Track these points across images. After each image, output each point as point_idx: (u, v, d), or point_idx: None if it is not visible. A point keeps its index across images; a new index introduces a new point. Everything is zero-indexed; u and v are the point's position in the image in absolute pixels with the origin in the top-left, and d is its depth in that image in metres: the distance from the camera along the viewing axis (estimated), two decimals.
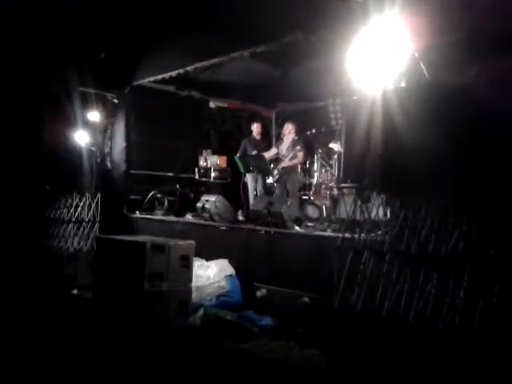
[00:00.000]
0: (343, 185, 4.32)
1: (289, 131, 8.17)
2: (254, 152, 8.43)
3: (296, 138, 8.01)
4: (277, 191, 8.21)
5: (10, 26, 7.04)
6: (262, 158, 7.55)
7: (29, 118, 7.85)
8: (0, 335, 4.68)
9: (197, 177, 9.28)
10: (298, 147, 7.89)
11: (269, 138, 10.01)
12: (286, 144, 8.11)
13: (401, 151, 3.92)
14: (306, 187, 8.46)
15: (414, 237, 3.72)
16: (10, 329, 4.87)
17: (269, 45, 5.89)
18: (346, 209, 4.30)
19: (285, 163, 7.93)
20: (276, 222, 6.02)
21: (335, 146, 7.89)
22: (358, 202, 4.09)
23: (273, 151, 8.29)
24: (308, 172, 8.59)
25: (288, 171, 7.94)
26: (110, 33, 7.89)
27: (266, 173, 8.02)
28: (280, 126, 9.81)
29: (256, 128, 8.72)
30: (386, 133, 4.02)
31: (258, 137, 8.76)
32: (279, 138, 8.62)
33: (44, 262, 6.87)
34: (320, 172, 8.28)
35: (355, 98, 4.49)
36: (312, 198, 7.87)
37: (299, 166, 8.39)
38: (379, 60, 4.07)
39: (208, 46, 6.60)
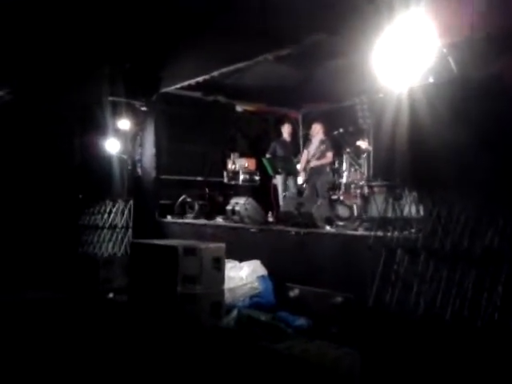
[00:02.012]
0: (373, 183, 4.28)
1: (317, 132, 8.17)
2: (283, 153, 8.44)
3: (324, 138, 7.99)
4: (306, 192, 8.19)
5: (39, 35, 7.21)
6: (290, 159, 7.57)
7: (61, 128, 8.05)
8: (40, 341, 4.79)
9: (225, 180, 9.35)
10: (326, 147, 7.87)
11: (296, 140, 10.01)
12: (315, 144, 8.11)
13: (430, 148, 3.87)
14: (335, 187, 8.42)
15: (447, 234, 3.65)
16: (50, 335, 4.99)
17: (293, 47, 5.90)
18: (377, 207, 4.25)
19: (313, 163, 7.91)
20: (306, 222, 6.01)
21: (363, 145, 7.83)
22: (390, 200, 4.04)
23: (304, 156, 8.28)
24: (337, 172, 8.54)
25: (317, 171, 7.92)
26: (136, 41, 8.03)
27: (293, 174, 8.01)
28: (307, 128, 9.83)
29: (286, 129, 8.75)
30: (414, 130, 3.96)
31: (288, 138, 8.78)
32: (307, 139, 8.60)
33: (80, 268, 7.02)
34: (349, 171, 8.22)
35: (381, 95, 4.46)
36: (342, 197, 7.82)
37: (328, 167, 8.35)
38: (406, 57, 4.03)
39: (232, 51, 6.67)
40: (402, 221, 4.06)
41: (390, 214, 4.17)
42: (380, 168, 4.33)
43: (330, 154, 7.98)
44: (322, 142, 7.92)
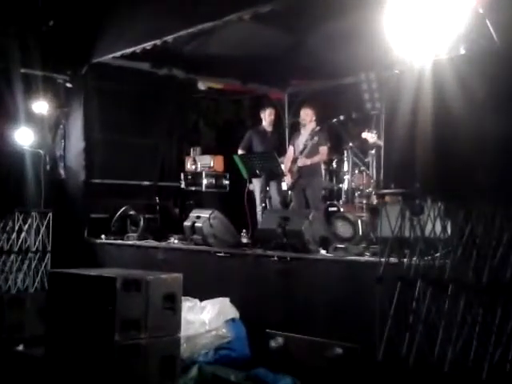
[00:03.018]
0: (385, 190, 4.31)
1: (308, 120, 8.19)
2: (262, 148, 8.45)
3: (317, 128, 8.03)
4: (293, 202, 8.20)
5: None
6: (272, 156, 7.57)
7: None
8: None
9: (183, 185, 9.37)
10: (320, 139, 7.91)
11: (281, 130, 10.06)
12: (305, 136, 8.12)
13: (463, 142, 3.92)
14: (333, 195, 8.46)
15: (485, 261, 3.70)
16: None
17: (276, 2, 5.91)
18: (389, 224, 4.29)
19: (302, 161, 7.91)
20: (294, 244, 6.03)
21: (371, 137, 7.90)
22: (407, 214, 4.07)
23: (290, 151, 8.29)
24: (336, 174, 8.60)
25: (307, 173, 7.93)
26: None
27: (275, 177, 8.05)
28: (295, 113, 9.89)
29: (268, 116, 8.76)
30: (440, 117, 4.03)
31: (268, 128, 8.79)
32: (295, 130, 8.64)
33: None
34: (352, 174, 8.30)
35: (396, 71, 4.52)
36: (342, 209, 7.87)
37: (322, 166, 8.40)
38: (429, 20, 4.08)
39: (194, 8, 6.66)
40: (423, 242, 4.09)
41: (407, 234, 4.21)
42: (393, 169, 4.39)
43: (324, 150, 8.03)
44: (314, 133, 7.94)
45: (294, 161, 8.04)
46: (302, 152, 8.03)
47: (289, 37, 7.97)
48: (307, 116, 8.19)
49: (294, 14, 6.68)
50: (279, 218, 6.28)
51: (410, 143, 4.16)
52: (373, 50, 6.65)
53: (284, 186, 8.48)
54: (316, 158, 8.02)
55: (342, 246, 5.97)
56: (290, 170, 8.02)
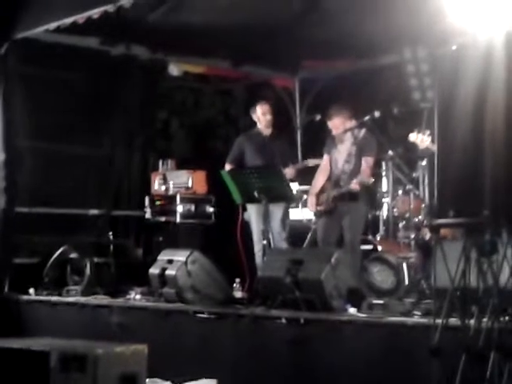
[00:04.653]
0: (440, 221, 4.28)
1: (336, 126, 8.15)
2: (261, 160, 8.48)
3: (362, 132, 7.94)
4: (319, 236, 8.12)
5: None
6: (276, 172, 7.56)
7: None
8: None
9: (148, 215, 9.34)
10: (364, 147, 7.85)
11: (288, 133, 10.06)
12: (346, 147, 8.06)
13: None
14: (367, 227, 8.43)
15: None
16: None
17: None
18: (447, 268, 4.29)
19: (346, 186, 7.83)
20: (310, 299, 6.04)
21: (422, 141, 7.86)
22: (473, 254, 4.06)
23: (325, 163, 8.21)
24: (371, 196, 8.56)
25: (350, 199, 7.84)
26: None
27: (283, 201, 8.04)
28: (311, 109, 9.89)
29: (262, 115, 8.72)
30: None
31: (266, 131, 8.78)
32: (329, 136, 8.52)
33: None
34: (394, 195, 8.28)
35: (454, 47, 4.52)
36: (380, 248, 7.85)
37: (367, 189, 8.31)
38: None
39: None
40: (497, 296, 4.08)
41: (474, 282, 4.20)
42: (452, 189, 4.40)
43: (368, 161, 7.93)
44: (356, 140, 7.92)
45: (337, 184, 7.98)
46: (343, 171, 7.98)
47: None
48: (337, 128, 8.14)
49: None
50: (288, 262, 6.29)
51: (475, 150, 4.17)
52: (419, 17, 6.70)
53: (294, 214, 8.45)
54: (362, 176, 7.92)
55: (381, 301, 5.96)
56: (320, 193, 8.00)
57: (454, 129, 4.33)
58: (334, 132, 8.09)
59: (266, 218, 7.71)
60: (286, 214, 8.44)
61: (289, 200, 8.06)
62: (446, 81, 4.62)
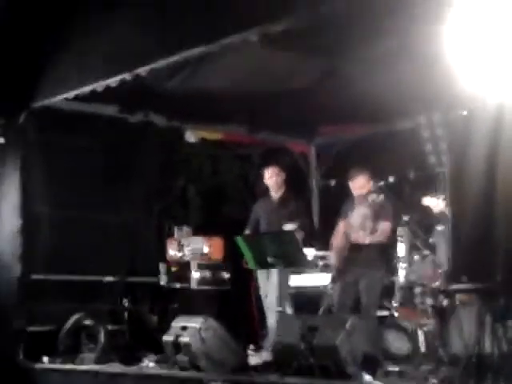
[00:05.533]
0: (454, 286, 4.26)
1: (358, 187, 8.17)
2: (266, 225, 8.50)
3: (380, 197, 7.94)
4: (335, 301, 8.07)
5: None
6: (289, 236, 7.54)
7: None
8: None
9: (164, 282, 9.30)
10: (381, 211, 7.84)
11: (303, 196, 10.05)
12: (362, 209, 8.06)
13: None
14: (383, 293, 8.35)
15: None
16: None
17: (294, 17, 6.01)
18: (461, 334, 4.24)
19: (356, 238, 7.84)
20: (325, 366, 5.96)
21: (437, 205, 7.84)
22: (487, 320, 4.01)
23: (340, 228, 8.20)
24: (387, 262, 8.49)
25: (364, 260, 7.83)
26: None
27: (295, 266, 8.02)
28: (327, 174, 9.89)
29: (269, 178, 8.71)
30: None
31: (275, 194, 8.77)
32: (349, 199, 8.53)
33: None
34: (410, 261, 8.19)
35: (464, 112, 4.55)
36: (397, 314, 7.76)
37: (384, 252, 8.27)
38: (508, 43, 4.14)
39: (176, 26, 6.80)
40: None
41: (490, 349, 4.14)
42: (465, 254, 4.36)
43: (386, 226, 7.94)
44: (373, 203, 7.92)
45: (348, 241, 7.99)
46: (357, 229, 7.99)
47: (314, 65, 8.08)
48: (359, 188, 8.16)
49: (319, 35, 6.76)
50: (303, 328, 6.23)
51: (487, 213, 4.14)
52: (433, 81, 6.72)
53: (310, 280, 8.39)
54: (376, 236, 7.93)
55: (396, 368, 5.89)
56: (339, 253, 7.99)
57: (465, 193, 4.32)
58: (356, 193, 8.10)
59: (280, 282, 7.69)
60: (282, 279, 8.34)
61: (302, 265, 8.00)
62: (458, 145, 4.63)
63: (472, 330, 4.15)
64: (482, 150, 4.26)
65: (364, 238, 7.90)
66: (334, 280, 8.06)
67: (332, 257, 8.10)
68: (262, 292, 8.38)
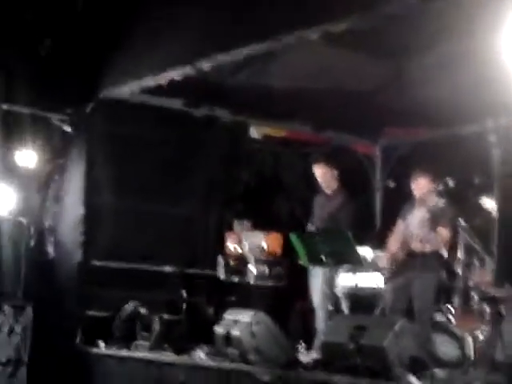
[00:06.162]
0: (496, 293, 4.21)
1: (425, 192, 8.09)
2: (318, 221, 8.47)
3: (441, 201, 7.87)
4: (388, 302, 8.02)
5: None
6: (343, 234, 7.50)
7: None
8: None
9: (222, 275, 9.33)
10: (442, 217, 7.74)
11: (368, 197, 10.11)
12: (422, 212, 7.98)
13: None
14: (440, 296, 8.25)
15: None
16: None
17: (359, 17, 6.00)
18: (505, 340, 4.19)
19: (415, 245, 7.77)
20: (372, 366, 5.93)
21: (494, 207, 7.75)
22: None
23: (399, 228, 8.13)
24: (446, 266, 8.40)
25: (420, 263, 7.74)
26: (64, 5, 8.33)
27: (350, 264, 8.05)
28: (392, 175, 9.80)
29: (319, 176, 8.64)
30: None
31: (328, 191, 8.72)
32: (410, 203, 8.46)
33: None
34: (468, 265, 8.10)
35: None
36: (453, 318, 7.68)
37: (441, 256, 8.18)
38: None
39: (238, 24, 6.85)
40: None
41: None
42: (506, 261, 4.31)
43: (444, 232, 7.84)
44: (435, 210, 7.83)
45: (405, 245, 7.90)
46: (416, 235, 7.90)
47: (379, 67, 8.07)
48: (421, 189, 8.08)
49: (383, 36, 6.74)
50: (352, 328, 6.20)
51: None
52: (500, 85, 6.63)
53: (364, 281, 8.34)
54: (434, 243, 7.84)
55: (443, 373, 5.84)
56: (394, 255, 7.91)
57: None
58: (417, 194, 8.04)
59: (330, 280, 7.68)
60: (330, 277, 8.30)
61: (356, 263, 7.96)
62: (507, 152, 4.57)
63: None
64: None
65: (423, 246, 7.79)
66: (386, 282, 8.01)
67: (386, 258, 8.03)
68: (319, 291, 8.34)
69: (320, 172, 8.59)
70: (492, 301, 6.48)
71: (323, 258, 7.44)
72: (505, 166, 4.56)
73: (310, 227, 8.58)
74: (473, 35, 6.35)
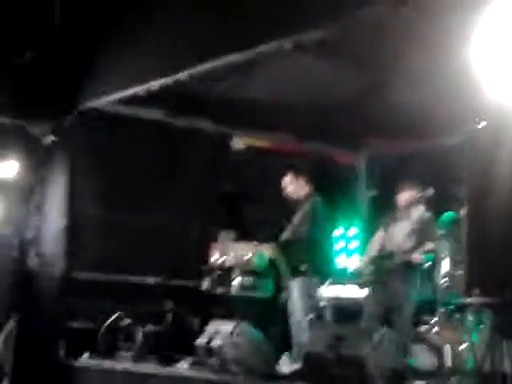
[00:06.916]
0: (466, 300, 4.23)
1: (405, 199, 8.12)
2: (289, 231, 8.50)
3: (426, 214, 7.91)
4: (367, 312, 8.03)
5: None
6: (309, 243, 7.56)
7: None
8: None
9: (205, 286, 9.25)
10: (428, 231, 7.77)
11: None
12: (406, 226, 8.00)
13: None
14: (424, 306, 8.26)
15: None
16: None
17: (329, 27, 5.99)
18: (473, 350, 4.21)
19: (401, 256, 7.79)
20: (350, 377, 5.95)
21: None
22: (495, 337, 3.99)
23: (377, 237, 8.15)
24: (428, 274, 8.41)
25: (400, 272, 7.77)
26: (43, 19, 8.37)
27: (326, 273, 8.05)
28: (375, 185, 9.85)
29: (289, 184, 8.74)
30: None
31: (295, 200, 8.73)
32: (391, 214, 8.48)
33: None
34: (452, 276, 8.11)
35: (483, 123, 4.54)
36: (436, 328, 7.69)
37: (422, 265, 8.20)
38: None
39: (221, 32, 6.83)
40: None
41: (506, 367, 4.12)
42: (479, 268, 4.34)
43: (431, 243, 7.85)
44: (419, 219, 7.87)
45: (391, 257, 7.93)
46: (399, 246, 7.92)
47: (360, 76, 8.10)
48: (406, 201, 8.12)
49: (359, 43, 6.76)
50: (331, 337, 6.23)
51: (504, 229, 4.10)
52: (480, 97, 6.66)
53: (345, 292, 8.34)
54: (418, 255, 7.85)
55: (422, 383, 5.86)
56: (371, 264, 7.95)
57: (483, 209, 4.28)
58: (401, 206, 8.07)
59: (307, 292, 7.68)
60: (306, 288, 8.29)
61: (332, 274, 8.03)
62: (475, 160, 4.58)
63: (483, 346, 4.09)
64: (505, 165, 4.21)
65: (408, 257, 7.81)
66: (367, 291, 8.01)
67: (364, 265, 8.04)
68: (298, 301, 8.32)
69: (286, 181, 8.64)
70: (462, 309, 6.51)
71: (301, 267, 7.48)
72: (471, 176, 4.56)
73: (284, 236, 8.61)
74: (443, 46, 6.37)
